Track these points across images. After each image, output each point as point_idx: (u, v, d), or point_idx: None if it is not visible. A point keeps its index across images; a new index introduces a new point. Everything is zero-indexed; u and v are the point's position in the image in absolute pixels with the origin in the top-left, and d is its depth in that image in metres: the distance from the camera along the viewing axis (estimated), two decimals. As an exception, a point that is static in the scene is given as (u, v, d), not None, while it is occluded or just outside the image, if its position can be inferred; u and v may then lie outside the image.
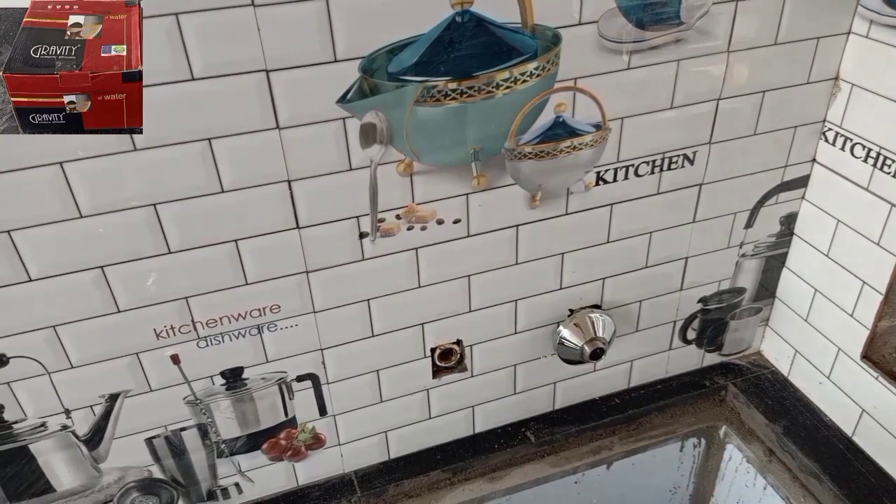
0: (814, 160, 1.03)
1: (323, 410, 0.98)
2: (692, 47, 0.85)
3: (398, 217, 0.85)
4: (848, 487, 1.01)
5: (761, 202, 1.04)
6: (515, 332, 1.02)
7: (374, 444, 1.05)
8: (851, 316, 1.03)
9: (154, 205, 0.73)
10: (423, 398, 1.03)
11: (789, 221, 1.09)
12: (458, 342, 1.00)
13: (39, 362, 0.80)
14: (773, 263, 1.13)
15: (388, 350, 0.96)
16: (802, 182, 1.05)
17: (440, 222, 0.87)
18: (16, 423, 0.83)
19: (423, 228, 0.87)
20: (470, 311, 0.97)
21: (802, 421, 1.12)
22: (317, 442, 1.01)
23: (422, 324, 0.96)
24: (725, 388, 1.19)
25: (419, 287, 0.92)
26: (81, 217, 0.71)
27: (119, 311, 0.79)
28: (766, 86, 0.93)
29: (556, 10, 0.76)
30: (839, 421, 1.10)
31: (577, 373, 1.12)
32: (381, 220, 0.84)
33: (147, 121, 0.68)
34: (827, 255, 1.05)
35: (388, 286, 0.90)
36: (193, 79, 0.67)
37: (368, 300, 0.90)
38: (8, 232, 0.70)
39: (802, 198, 1.07)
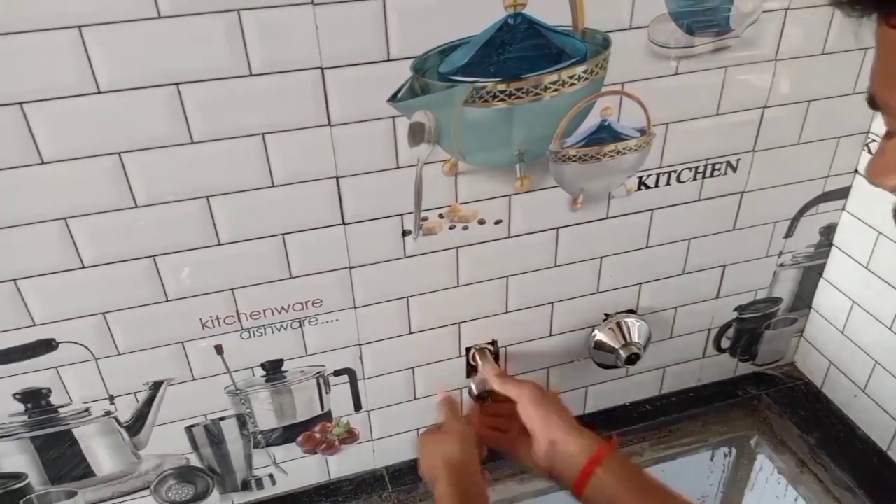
0: (856, 171, 1.03)
1: (358, 406, 0.99)
2: (740, 55, 0.85)
3: (441, 216, 0.86)
4: (882, 502, 1.00)
5: (802, 212, 1.04)
6: (550, 335, 1.03)
7: (406, 441, 1.06)
8: (890, 329, 1.02)
9: (207, 197, 0.75)
10: (457, 397, 1.04)
11: (829, 232, 1.08)
12: (493, 342, 1.00)
13: (87, 348, 0.81)
14: (811, 274, 1.13)
15: (425, 348, 0.97)
16: (843, 193, 1.05)
17: (482, 222, 0.88)
18: (61, 407, 0.85)
19: (465, 228, 0.88)
20: (507, 312, 0.98)
21: (836, 433, 1.11)
22: (350, 436, 1.02)
23: (458, 323, 0.97)
24: (758, 398, 1.18)
25: (458, 286, 0.93)
26: (137, 207, 0.73)
27: (167, 301, 0.80)
28: (812, 95, 0.93)
29: (607, 14, 0.77)
30: (874, 435, 1.09)
31: (610, 377, 1.12)
32: (425, 219, 0.85)
33: (204, 115, 0.70)
34: (866, 267, 1.05)
35: (427, 284, 0.91)
36: (251, 75, 0.69)
37: (408, 297, 0.91)
38: (64, 219, 0.72)
39: (843, 209, 1.06)
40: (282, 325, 0.87)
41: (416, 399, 1.01)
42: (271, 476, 1.01)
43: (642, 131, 0.87)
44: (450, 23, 0.72)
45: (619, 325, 1.03)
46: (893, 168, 0.46)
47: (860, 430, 1.11)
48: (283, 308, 0.86)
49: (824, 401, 1.17)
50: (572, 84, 0.80)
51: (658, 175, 0.92)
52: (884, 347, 1.04)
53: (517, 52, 0.76)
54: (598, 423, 1.13)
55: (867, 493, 1.02)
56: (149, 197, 0.73)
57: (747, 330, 1.15)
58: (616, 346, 1.02)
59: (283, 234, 0.80)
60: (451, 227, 0.87)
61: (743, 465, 1.20)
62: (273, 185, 0.76)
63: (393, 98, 0.75)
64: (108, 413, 0.87)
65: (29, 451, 0.86)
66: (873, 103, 0.45)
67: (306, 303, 0.86)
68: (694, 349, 1.14)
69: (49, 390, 0.83)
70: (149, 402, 0.88)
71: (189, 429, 0.92)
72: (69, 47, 0.63)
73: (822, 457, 1.08)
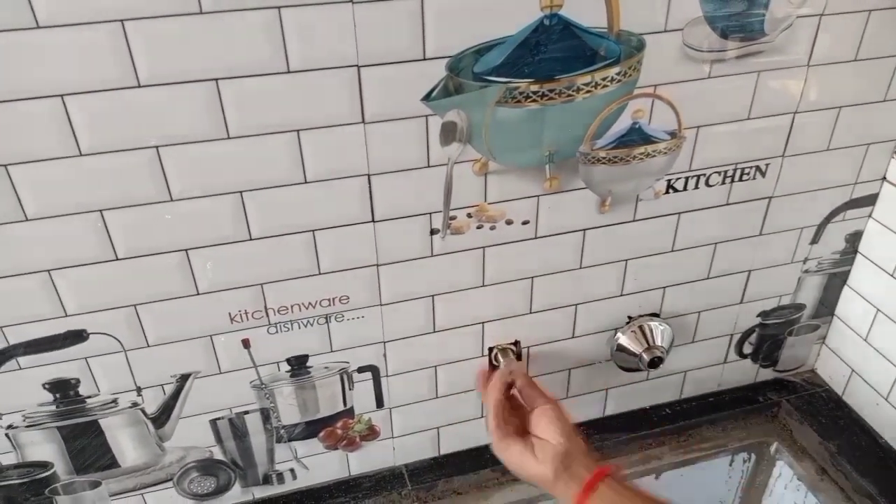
0: (884, 178, 1.02)
1: (380, 403, 0.99)
2: (773, 59, 0.85)
3: (469, 216, 0.86)
4: (905, 511, 1.00)
5: (828, 218, 1.04)
6: (573, 336, 1.03)
7: (427, 439, 1.06)
8: (915, 338, 1.02)
9: (240, 192, 0.75)
10: (478, 396, 1.04)
11: (854, 239, 1.08)
12: (516, 343, 1.00)
13: (117, 339, 0.82)
14: (835, 281, 1.12)
15: (448, 347, 0.97)
16: (871, 200, 1.04)
17: (509, 223, 0.88)
18: (89, 397, 0.86)
19: (492, 228, 0.88)
20: (530, 313, 0.98)
21: (857, 441, 1.11)
22: (371, 433, 1.02)
23: (482, 322, 0.97)
24: (778, 404, 1.18)
25: (483, 286, 0.93)
26: (172, 200, 0.74)
27: (198, 294, 0.81)
28: (843, 101, 0.93)
29: (643, 16, 0.77)
30: (895, 443, 1.09)
31: (630, 380, 1.12)
32: (453, 218, 0.85)
33: (241, 111, 0.70)
34: (891, 275, 1.04)
35: (453, 283, 0.91)
36: (289, 72, 0.69)
37: (433, 296, 0.92)
38: (100, 211, 0.73)
39: (870, 216, 1.06)
40: (308, 321, 0.88)
41: (437, 397, 1.02)
42: (292, 471, 1.01)
43: (673, 134, 0.87)
44: (486, 23, 0.72)
45: (641, 328, 1.03)
46: None
47: (881, 439, 1.10)
48: (310, 304, 0.86)
49: (845, 408, 1.16)
50: (605, 86, 0.80)
51: (687, 178, 0.92)
52: (908, 356, 1.03)
53: (552, 52, 0.76)
54: (618, 426, 1.13)
55: (889, 501, 1.01)
56: (184, 191, 0.73)
57: (770, 336, 1.15)
58: (639, 350, 1.02)
59: (314, 231, 0.81)
60: (479, 227, 0.87)
61: (762, 472, 1.20)
62: (306, 182, 0.77)
63: (427, 97, 0.75)
64: (134, 404, 0.88)
65: (56, 441, 0.87)
66: None
67: (333, 299, 0.87)
68: (716, 354, 1.14)
69: (78, 381, 0.84)
70: (175, 394, 0.88)
71: (214, 422, 0.93)
72: (111, 41, 0.64)
73: (842, 464, 1.08)
